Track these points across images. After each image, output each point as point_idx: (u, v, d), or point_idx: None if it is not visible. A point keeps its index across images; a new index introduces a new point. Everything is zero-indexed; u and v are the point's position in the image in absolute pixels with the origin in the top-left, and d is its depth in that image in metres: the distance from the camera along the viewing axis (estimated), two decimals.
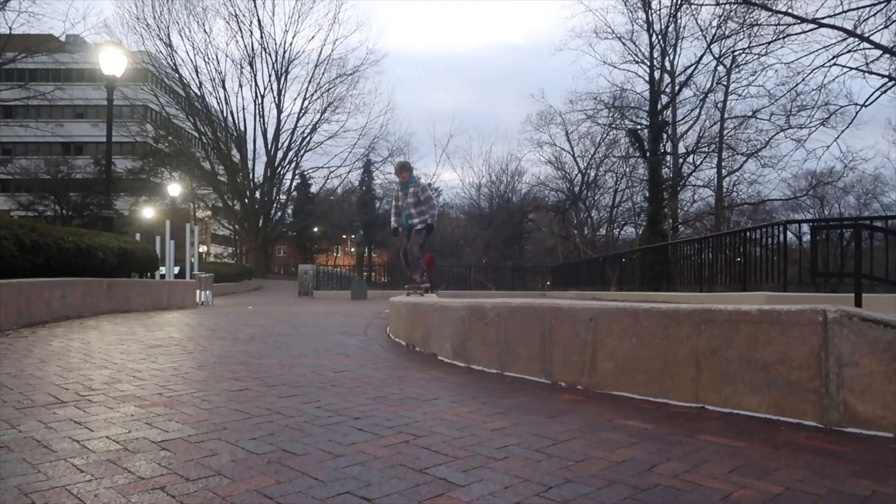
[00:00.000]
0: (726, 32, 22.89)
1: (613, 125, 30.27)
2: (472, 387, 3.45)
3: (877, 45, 16.48)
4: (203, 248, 49.43)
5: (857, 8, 15.76)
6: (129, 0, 47.07)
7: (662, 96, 27.54)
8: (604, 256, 20.26)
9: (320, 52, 44.28)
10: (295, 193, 52.42)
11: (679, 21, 26.14)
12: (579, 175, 34.97)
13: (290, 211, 53.65)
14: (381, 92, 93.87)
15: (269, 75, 46.15)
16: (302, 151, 45.82)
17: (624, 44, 28.09)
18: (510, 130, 80.00)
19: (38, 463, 2.00)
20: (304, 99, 43.68)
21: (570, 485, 1.83)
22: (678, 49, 27.29)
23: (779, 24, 18.12)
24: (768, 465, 2.02)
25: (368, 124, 58.53)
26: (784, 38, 18.28)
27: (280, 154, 44.67)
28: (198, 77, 41.55)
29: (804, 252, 10.45)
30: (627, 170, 31.49)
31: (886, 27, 16.05)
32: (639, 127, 28.33)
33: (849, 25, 16.36)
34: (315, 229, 57.21)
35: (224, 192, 44.74)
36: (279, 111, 44.05)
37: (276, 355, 4.64)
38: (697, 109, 27.57)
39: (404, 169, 7.60)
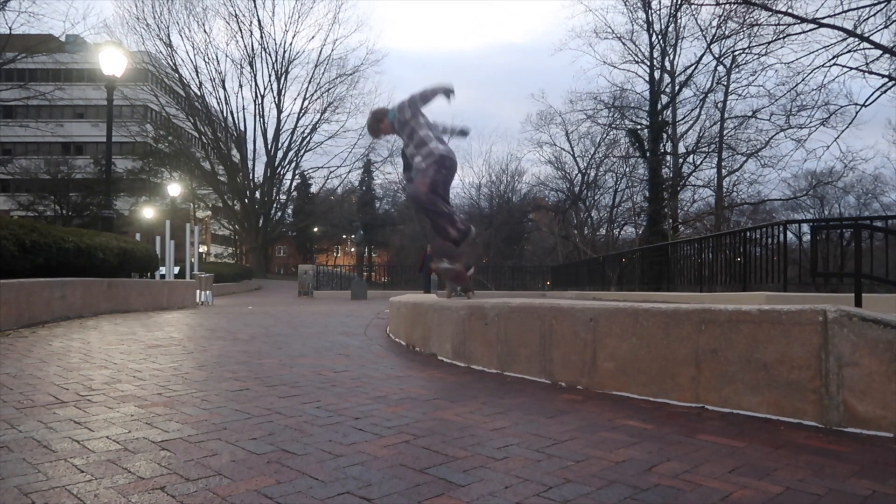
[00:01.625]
0: (726, 32, 22.93)
1: (613, 125, 30.29)
2: (473, 387, 3.45)
3: (877, 45, 16.48)
4: (203, 248, 49.45)
5: (857, 8, 15.77)
6: (129, 0, 47.05)
7: (662, 96, 27.54)
8: (604, 256, 20.25)
9: (320, 52, 44.37)
10: (295, 193, 52.45)
11: (679, 21, 26.17)
12: (579, 175, 34.98)
13: (290, 211, 53.65)
14: (381, 92, 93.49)
15: (269, 75, 46.22)
16: (302, 151, 45.86)
17: (624, 44, 28.13)
18: (510, 130, 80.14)
19: (38, 463, 2.00)
20: (304, 99, 43.74)
21: (570, 485, 1.83)
22: (678, 49, 27.32)
23: (779, 24, 18.13)
24: (768, 465, 2.02)
25: None
26: (784, 38, 18.30)
27: (280, 154, 44.71)
28: (198, 77, 41.61)
29: (804, 252, 10.45)
30: (627, 170, 31.51)
31: (886, 27, 16.07)
32: (639, 127, 28.33)
33: (849, 25, 16.37)
34: (315, 229, 57.23)
35: (224, 192, 44.74)
36: (279, 111, 44.10)
37: (277, 355, 4.64)
38: (697, 109, 27.60)
39: (378, 120, 4.68)
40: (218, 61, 57.41)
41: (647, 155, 26.96)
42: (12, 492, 1.73)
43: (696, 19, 24.94)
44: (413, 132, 4.28)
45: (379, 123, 4.60)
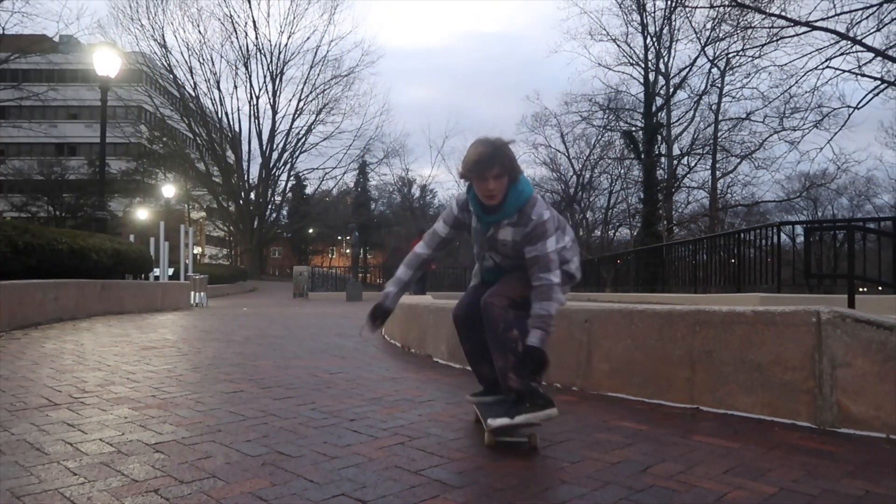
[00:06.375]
0: (720, 35, 22.98)
1: (608, 127, 30.39)
2: (468, 388, 3.44)
3: (869, 48, 16.57)
4: (198, 250, 49.24)
5: (850, 11, 15.84)
6: (123, 0, 46.86)
7: (657, 98, 27.63)
8: (599, 258, 20.31)
9: (315, 54, 43.93)
10: (290, 195, 52.31)
11: (673, 23, 26.24)
12: (574, 176, 35.08)
13: (285, 212, 53.51)
14: (377, 93, 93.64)
15: (265, 76, 46.08)
16: (297, 153, 45.73)
17: (619, 46, 28.19)
18: (505, 132, 79.86)
19: (31, 466, 1.98)
20: (300, 100, 43.58)
21: (566, 486, 1.83)
22: (672, 51, 27.41)
23: (772, 27, 18.21)
24: (762, 466, 2.02)
25: (364, 125, 58.32)
26: (777, 40, 18.38)
27: (275, 155, 44.56)
28: (192, 78, 41.42)
29: (798, 253, 10.50)
30: (622, 171, 31.64)
31: (878, 30, 16.16)
32: (633, 129, 28.42)
33: (841, 28, 16.46)
34: (310, 231, 57.08)
35: (219, 194, 44.59)
36: (274, 112, 43.96)
37: (271, 357, 4.63)
38: (692, 111, 27.72)
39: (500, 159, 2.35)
40: (213, 62, 56.92)
41: (642, 157, 27.03)
42: (4, 495, 1.72)
43: (690, 22, 25.03)
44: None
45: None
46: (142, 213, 38.83)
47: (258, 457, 2.09)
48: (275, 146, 44.38)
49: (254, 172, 45.48)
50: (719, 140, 27.04)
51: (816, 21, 16.61)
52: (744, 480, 1.88)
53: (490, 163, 2.23)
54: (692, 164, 28.79)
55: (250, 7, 47.93)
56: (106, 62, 11.31)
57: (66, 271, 8.10)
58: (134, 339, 5.70)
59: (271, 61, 43.23)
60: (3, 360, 4.32)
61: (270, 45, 49.42)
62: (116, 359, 4.41)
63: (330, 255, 65.31)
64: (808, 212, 37.82)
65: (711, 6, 20.51)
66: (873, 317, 2.44)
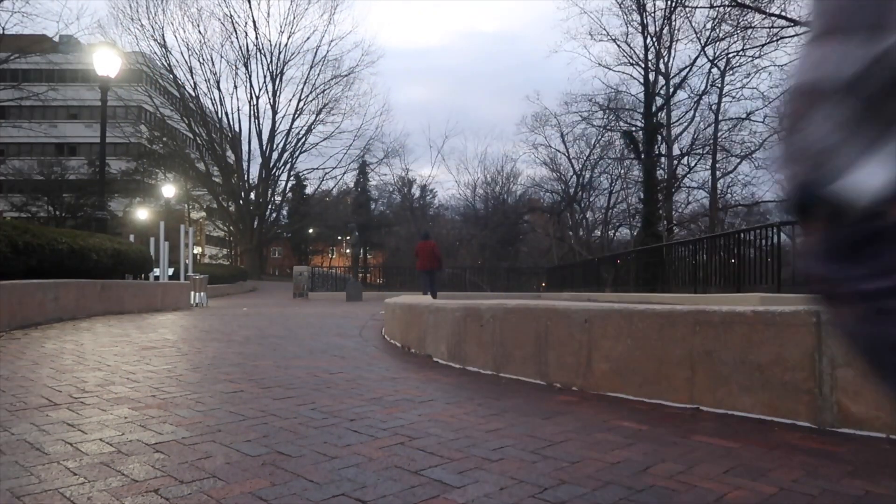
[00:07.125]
0: (720, 35, 23.03)
1: (608, 127, 30.38)
2: (468, 388, 3.45)
3: None
4: (198, 250, 49.25)
5: None
6: (123, 0, 46.89)
7: (657, 98, 27.63)
8: (599, 258, 20.31)
9: (315, 54, 43.94)
10: (290, 195, 52.33)
11: (673, 23, 26.23)
12: (574, 176, 35.04)
13: (285, 212, 53.53)
14: (377, 93, 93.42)
15: (265, 76, 46.10)
16: (297, 153, 45.73)
17: (619, 46, 28.17)
18: (505, 132, 79.79)
19: (31, 466, 1.99)
20: (300, 100, 43.57)
21: (566, 486, 1.83)
22: (673, 51, 27.40)
23: (772, 27, 18.25)
24: (762, 466, 2.02)
25: (364, 125, 58.28)
26: (777, 40, 18.44)
27: (275, 155, 44.56)
28: (192, 78, 41.41)
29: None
30: (622, 171, 31.64)
31: None
32: (633, 129, 28.44)
33: None
34: (310, 231, 57.12)
35: (219, 194, 44.62)
36: (274, 112, 43.95)
37: (271, 357, 4.63)
38: (692, 111, 27.73)
39: None
40: (213, 62, 56.98)
41: (642, 157, 27.05)
42: (5, 495, 1.72)
43: (690, 22, 25.04)
44: None
45: None
46: (142, 213, 38.84)
47: (258, 457, 2.09)
48: (275, 146, 44.41)
49: (254, 172, 45.50)
50: (719, 140, 27.05)
51: None
52: (744, 480, 1.88)
53: None
54: (692, 164, 28.81)
55: (250, 7, 48.02)
56: (106, 62, 11.31)
57: (66, 271, 8.10)
58: (134, 339, 5.70)
59: (271, 61, 43.23)
60: (3, 360, 4.32)
61: (270, 45, 49.38)
62: (116, 359, 4.41)
63: (330, 255, 65.30)
64: None
65: (711, 6, 20.56)
66: None
